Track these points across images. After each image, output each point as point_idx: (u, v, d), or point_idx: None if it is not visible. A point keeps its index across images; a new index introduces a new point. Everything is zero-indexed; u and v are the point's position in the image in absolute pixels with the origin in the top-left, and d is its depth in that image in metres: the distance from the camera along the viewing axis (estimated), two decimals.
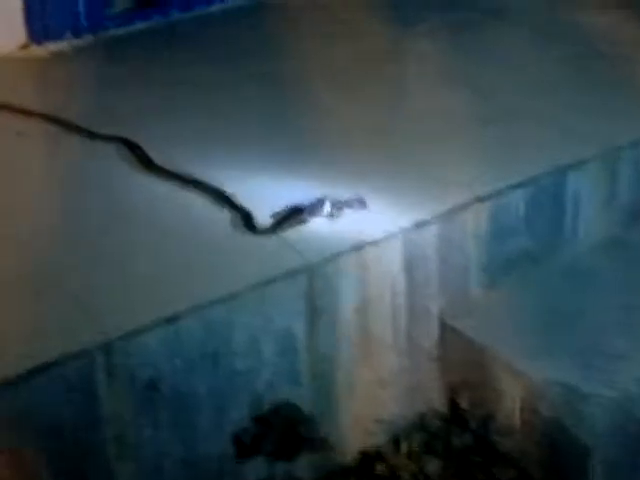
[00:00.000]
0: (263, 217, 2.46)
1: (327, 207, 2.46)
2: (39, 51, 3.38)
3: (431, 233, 2.50)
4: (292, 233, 2.41)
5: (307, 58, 3.31)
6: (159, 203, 2.57)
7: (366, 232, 2.43)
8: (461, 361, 2.62)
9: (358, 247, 2.39)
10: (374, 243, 2.41)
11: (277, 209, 2.48)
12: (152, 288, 2.25)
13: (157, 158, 2.73)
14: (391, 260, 2.46)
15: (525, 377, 2.46)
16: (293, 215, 2.44)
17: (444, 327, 2.61)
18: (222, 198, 2.55)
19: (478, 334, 2.58)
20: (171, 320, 2.16)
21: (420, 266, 2.51)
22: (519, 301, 2.65)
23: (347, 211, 2.47)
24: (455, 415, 2.62)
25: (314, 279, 2.34)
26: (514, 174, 2.62)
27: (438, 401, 2.64)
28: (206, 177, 2.63)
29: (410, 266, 2.49)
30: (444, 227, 2.52)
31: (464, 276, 2.61)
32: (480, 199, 2.55)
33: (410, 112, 2.96)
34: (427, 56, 3.33)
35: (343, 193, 2.51)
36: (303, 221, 2.43)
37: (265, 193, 2.56)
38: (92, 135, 2.86)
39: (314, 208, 2.45)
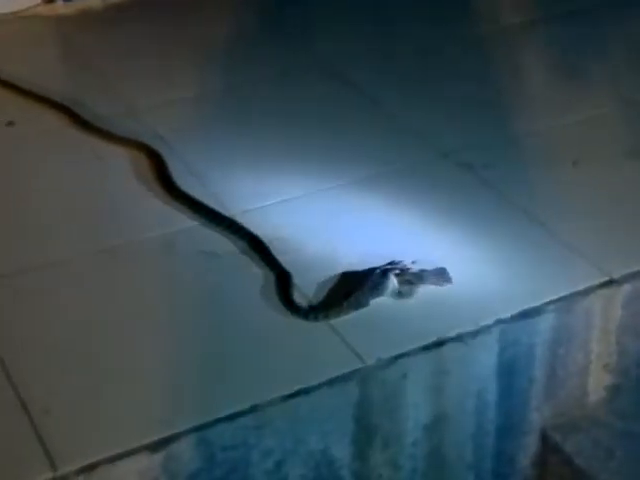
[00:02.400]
0: (306, 283, 1.78)
1: (393, 282, 1.75)
2: (66, 8, 2.71)
3: (543, 325, 1.78)
4: (341, 318, 1.72)
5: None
6: (166, 247, 1.89)
7: (448, 321, 1.72)
8: None
9: (436, 344, 1.69)
10: (459, 338, 1.71)
11: (323, 274, 1.79)
12: (131, 394, 1.58)
13: (184, 167, 2.07)
14: (482, 362, 1.75)
15: None
16: (346, 294, 1.73)
17: (546, 444, 1.91)
18: (255, 247, 1.87)
19: (588, 460, 1.87)
20: (156, 447, 1.50)
21: (523, 369, 1.80)
22: None
23: (422, 288, 1.76)
24: None
25: (369, 388, 1.65)
26: None
27: None
28: (237, 206, 1.97)
29: (509, 369, 1.78)
30: (561, 317, 1.80)
31: (581, 379, 1.89)
32: (614, 282, 1.82)
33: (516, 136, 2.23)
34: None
35: (417, 259, 1.81)
36: (360, 304, 1.73)
37: (311, 251, 1.87)
38: (103, 134, 2.20)
39: (376, 284, 1.75)
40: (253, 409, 1.55)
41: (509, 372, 1.79)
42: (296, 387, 1.58)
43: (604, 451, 1.89)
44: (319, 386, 1.60)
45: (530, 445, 1.89)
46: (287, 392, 1.58)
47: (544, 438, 1.90)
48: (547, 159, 2.15)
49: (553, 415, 1.89)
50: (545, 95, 2.41)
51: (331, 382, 1.61)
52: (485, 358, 1.75)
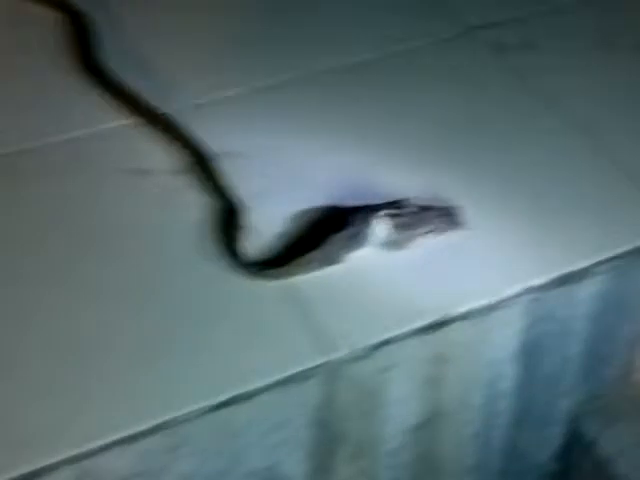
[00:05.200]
0: (261, 223, 1.27)
1: (380, 228, 1.25)
2: None
3: (587, 292, 1.29)
4: (305, 279, 1.22)
5: None
6: (78, 157, 1.36)
7: (455, 289, 1.22)
8: None
9: (437, 324, 1.20)
10: (470, 316, 1.21)
11: (286, 211, 1.28)
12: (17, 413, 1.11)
13: (119, 40, 1.53)
14: (499, 344, 1.26)
15: None
16: (313, 242, 1.23)
17: (574, 436, 1.44)
18: (200, 164, 1.35)
19: (628, 460, 1.41)
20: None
21: (554, 348, 1.32)
22: None
23: (421, 236, 1.26)
24: None
25: (337, 386, 1.17)
26: None
27: None
28: (184, 100, 1.44)
29: (534, 349, 1.29)
30: (615, 280, 1.30)
31: (630, 352, 1.41)
32: None
33: None
34: None
35: (417, 192, 1.29)
36: (331, 259, 1.23)
37: (274, 174, 1.34)
38: None
39: (356, 230, 1.24)
40: (161, 427, 1.07)
41: (534, 353, 1.30)
42: (227, 394, 1.10)
43: None
44: (263, 390, 1.11)
45: (553, 438, 1.43)
46: (213, 401, 1.09)
47: (573, 429, 1.44)
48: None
49: (587, 399, 1.43)
50: None
51: (281, 384, 1.12)
52: (503, 339, 1.26)
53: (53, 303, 1.18)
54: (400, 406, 1.23)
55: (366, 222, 1.23)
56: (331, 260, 1.22)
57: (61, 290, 1.19)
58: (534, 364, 1.32)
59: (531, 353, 1.30)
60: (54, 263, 1.22)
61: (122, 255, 1.24)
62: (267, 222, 1.27)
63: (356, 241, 1.23)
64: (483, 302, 1.21)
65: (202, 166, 1.33)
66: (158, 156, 1.36)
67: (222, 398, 1.09)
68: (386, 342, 1.16)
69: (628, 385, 1.45)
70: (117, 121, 1.41)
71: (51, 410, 1.07)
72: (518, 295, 1.23)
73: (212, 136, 1.36)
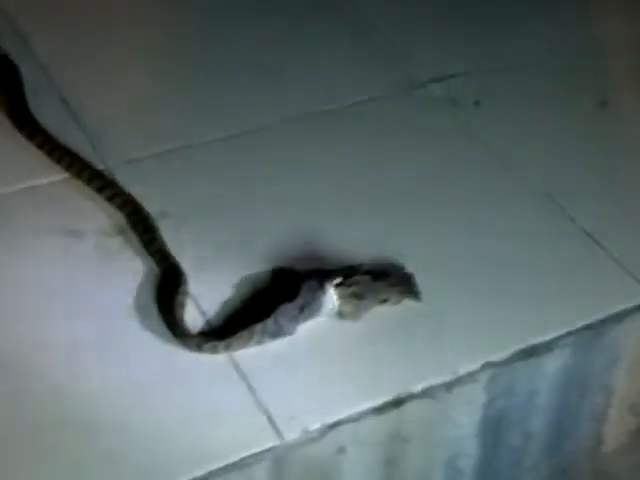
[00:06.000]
0: (205, 289, 1.18)
1: (332, 298, 1.16)
2: None
3: (551, 366, 1.21)
4: (251, 352, 1.13)
5: None
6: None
7: (411, 365, 1.13)
8: None
9: (393, 403, 1.11)
10: (428, 393, 1.13)
11: (233, 276, 1.19)
12: None
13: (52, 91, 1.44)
14: (459, 421, 1.18)
15: None
16: (261, 312, 1.14)
17: None
18: (136, 224, 1.26)
19: None
20: None
21: (516, 423, 1.24)
22: None
23: (379, 308, 1.17)
24: None
25: (287, 470, 1.08)
26: None
27: None
28: (117, 154, 1.35)
29: (496, 426, 1.21)
30: (579, 353, 1.22)
31: (597, 426, 1.33)
32: None
33: None
34: None
35: (371, 257, 1.21)
36: (283, 330, 1.13)
37: (218, 235, 1.26)
38: None
39: (308, 299, 1.15)
40: None
41: (496, 429, 1.22)
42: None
43: None
44: (203, 479, 1.02)
45: None
46: None
47: None
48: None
49: (552, 476, 1.35)
50: None
51: (224, 471, 1.03)
52: (463, 416, 1.17)
53: None
54: None
55: (320, 290, 1.15)
56: (281, 332, 1.13)
57: None
58: (496, 440, 1.24)
59: (493, 429, 1.22)
60: None
61: (52, 324, 1.15)
62: (209, 289, 1.18)
63: (309, 311, 1.14)
64: (441, 379, 1.13)
65: (140, 228, 1.24)
66: (94, 216, 1.27)
67: None
68: (340, 422, 1.08)
69: (594, 459, 1.38)
70: (50, 177, 1.32)
71: None
72: (478, 371, 1.15)
73: (146, 194, 1.28)
